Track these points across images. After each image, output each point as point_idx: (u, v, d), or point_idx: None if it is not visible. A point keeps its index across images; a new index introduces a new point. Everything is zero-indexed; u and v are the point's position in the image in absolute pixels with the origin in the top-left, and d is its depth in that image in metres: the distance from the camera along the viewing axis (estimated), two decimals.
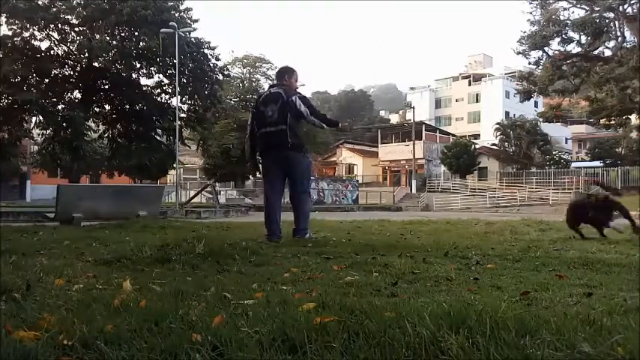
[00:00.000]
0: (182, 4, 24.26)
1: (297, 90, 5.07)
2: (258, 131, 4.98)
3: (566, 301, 1.99)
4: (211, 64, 25.17)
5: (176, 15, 23.20)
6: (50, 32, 22.80)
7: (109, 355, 1.27)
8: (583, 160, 44.26)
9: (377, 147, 48.19)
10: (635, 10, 24.74)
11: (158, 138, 25.96)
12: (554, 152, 39.11)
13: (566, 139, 52.17)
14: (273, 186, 5.04)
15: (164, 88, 25.52)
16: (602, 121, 31.32)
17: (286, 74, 5.11)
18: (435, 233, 5.96)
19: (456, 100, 62.53)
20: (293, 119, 4.81)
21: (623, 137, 34.30)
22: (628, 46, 25.47)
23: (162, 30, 20.75)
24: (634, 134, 32.66)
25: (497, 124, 40.72)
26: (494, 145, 41.22)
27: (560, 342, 1.29)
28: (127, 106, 24.80)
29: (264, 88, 48.38)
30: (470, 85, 61.52)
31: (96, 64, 23.52)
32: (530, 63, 28.88)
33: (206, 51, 24.83)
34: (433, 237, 5.23)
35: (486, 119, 53.36)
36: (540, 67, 28.43)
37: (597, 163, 37.39)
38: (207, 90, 24.81)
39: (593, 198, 5.15)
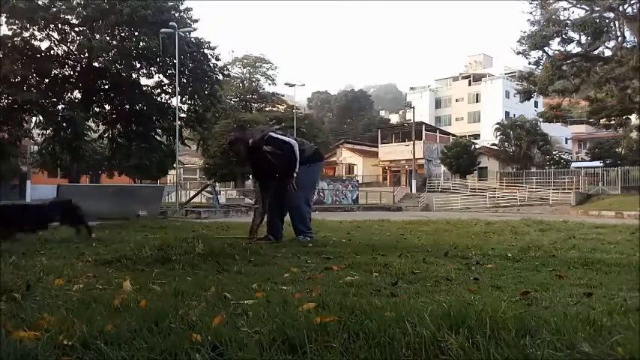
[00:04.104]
0: (182, 4, 24.28)
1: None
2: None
3: (566, 301, 1.99)
4: (211, 64, 25.19)
5: (176, 15, 23.21)
6: (50, 32, 22.81)
7: (109, 355, 1.26)
8: (583, 160, 44.18)
9: (377, 147, 48.16)
10: (635, 10, 24.71)
11: (158, 138, 25.97)
12: (554, 152, 39.05)
13: (566, 139, 52.09)
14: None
15: (164, 88, 25.53)
16: (602, 121, 31.25)
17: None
18: (435, 233, 5.96)
19: (456, 100, 62.46)
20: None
21: (623, 137, 34.18)
22: (628, 46, 25.42)
23: (162, 30, 20.75)
24: (634, 134, 32.56)
25: (498, 124, 40.66)
26: (494, 145, 41.16)
27: (560, 342, 1.29)
28: (127, 106, 24.81)
29: (264, 88, 48.62)
30: (470, 85, 61.46)
31: (96, 64, 23.52)
32: (530, 63, 28.82)
33: (206, 51, 24.85)
34: (433, 237, 5.23)
35: (486, 119, 53.32)
36: (540, 67, 28.37)
37: (597, 163, 37.30)
38: (207, 90, 24.83)
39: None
